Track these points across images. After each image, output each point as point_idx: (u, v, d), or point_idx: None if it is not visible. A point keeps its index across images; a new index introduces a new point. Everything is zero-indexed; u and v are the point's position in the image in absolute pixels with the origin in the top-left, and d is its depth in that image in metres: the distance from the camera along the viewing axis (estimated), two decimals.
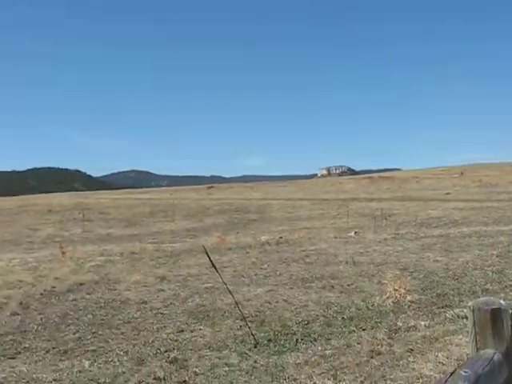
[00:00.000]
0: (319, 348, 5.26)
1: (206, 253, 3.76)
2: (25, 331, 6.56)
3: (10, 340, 6.18)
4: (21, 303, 8.00)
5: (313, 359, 4.94)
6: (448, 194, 37.65)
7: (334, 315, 6.44)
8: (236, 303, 6.29)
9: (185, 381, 4.57)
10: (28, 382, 4.75)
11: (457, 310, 6.23)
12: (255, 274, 9.61)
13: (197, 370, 4.79)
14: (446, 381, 1.35)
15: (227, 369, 4.78)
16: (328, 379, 4.45)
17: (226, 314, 6.80)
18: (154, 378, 4.65)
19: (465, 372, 1.39)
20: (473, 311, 1.68)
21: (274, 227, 20.97)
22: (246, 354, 5.20)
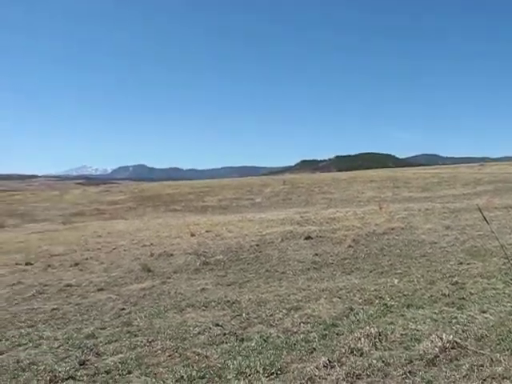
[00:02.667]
0: None
1: (479, 210, 5.73)
2: (356, 258, 11.33)
3: (347, 263, 10.88)
4: (353, 240, 13.43)
5: None
6: None
7: None
8: (501, 246, 9.23)
9: (463, 297, 7.31)
10: (358, 290, 8.32)
11: None
12: None
13: (472, 290, 7.59)
14: None
15: (494, 292, 7.36)
16: None
17: (493, 253, 10.16)
18: (442, 294, 7.52)
19: None
20: None
21: None
22: (509, 282, 7.83)
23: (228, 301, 8.16)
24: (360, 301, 7.51)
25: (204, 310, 7.76)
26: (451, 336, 5.38)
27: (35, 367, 5.74)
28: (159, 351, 5.98)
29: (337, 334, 6.00)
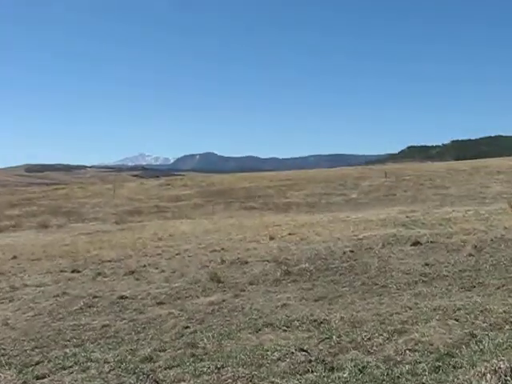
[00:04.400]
0: None
1: None
2: (478, 269, 10.98)
3: (467, 276, 10.57)
4: (475, 246, 13.07)
5: None
6: None
7: None
8: None
9: None
10: (482, 311, 8.11)
11: None
12: None
13: None
14: None
15: None
16: None
17: None
18: None
19: None
20: None
21: None
22: None
23: (315, 320, 8.14)
24: (484, 325, 7.26)
25: (285, 331, 7.78)
26: None
27: None
28: (230, 380, 6.06)
29: (453, 367, 5.81)
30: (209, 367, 6.48)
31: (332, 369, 6.10)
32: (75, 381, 6.52)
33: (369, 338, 7.05)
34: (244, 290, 10.88)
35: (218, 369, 6.40)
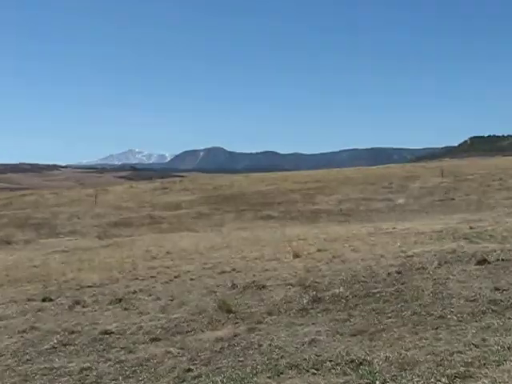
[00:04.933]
0: None
1: None
2: None
3: None
4: None
5: None
6: None
7: None
8: None
9: None
10: None
11: None
12: None
13: None
14: None
15: None
16: None
17: None
18: None
19: None
20: None
21: None
22: None
23: (352, 360, 8.11)
24: None
25: (314, 374, 7.75)
26: None
27: None
28: None
29: None
30: None
31: None
32: None
33: None
34: (261, 322, 10.85)
35: None
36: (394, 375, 7.41)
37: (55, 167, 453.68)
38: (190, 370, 8.54)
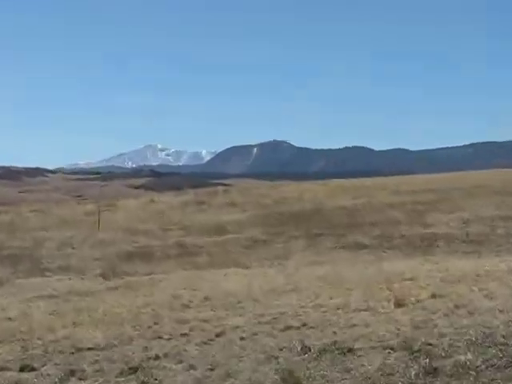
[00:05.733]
0: None
1: None
2: None
3: None
4: None
5: None
6: None
7: None
8: None
9: None
10: None
11: None
12: None
13: None
14: None
15: None
16: None
17: None
18: None
19: None
20: None
21: None
22: None
23: None
24: None
25: None
26: None
27: None
28: None
29: None
30: None
31: None
32: None
33: None
34: None
35: None
36: None
37: (39, 172, 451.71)
38: None
